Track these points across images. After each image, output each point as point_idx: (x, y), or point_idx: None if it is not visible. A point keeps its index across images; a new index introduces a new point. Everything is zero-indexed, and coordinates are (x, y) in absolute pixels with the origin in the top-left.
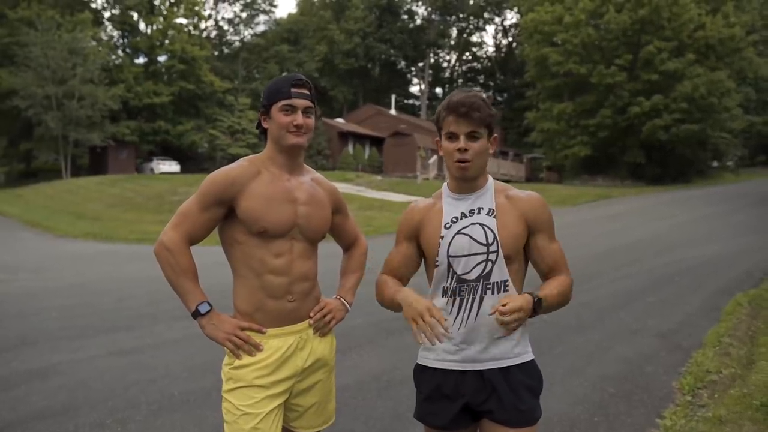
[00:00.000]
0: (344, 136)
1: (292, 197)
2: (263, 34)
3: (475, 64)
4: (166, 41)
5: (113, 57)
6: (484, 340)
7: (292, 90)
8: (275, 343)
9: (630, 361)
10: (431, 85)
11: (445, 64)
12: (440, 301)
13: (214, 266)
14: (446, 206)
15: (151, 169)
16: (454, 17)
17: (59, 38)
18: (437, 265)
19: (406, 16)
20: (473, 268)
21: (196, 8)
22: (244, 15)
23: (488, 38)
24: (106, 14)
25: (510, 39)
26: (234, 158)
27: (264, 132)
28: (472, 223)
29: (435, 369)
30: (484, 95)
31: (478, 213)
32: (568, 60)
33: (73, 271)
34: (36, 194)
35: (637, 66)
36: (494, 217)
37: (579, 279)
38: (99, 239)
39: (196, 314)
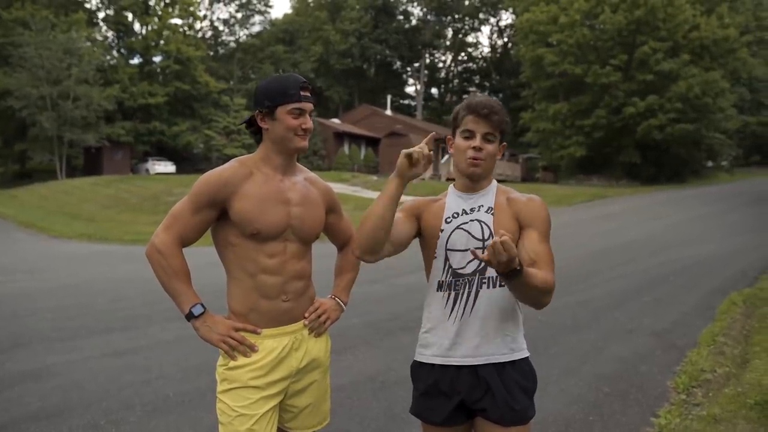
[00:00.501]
0: (340, 136)
1: (285, 198)
2: (258, 34)
3: (470, 64)
4: (161, 42)
5: (108, 57)
6: (479, 335)
7: (301, 93)
8: (270, 343)
9: (625, 360)
10: (427, 86)
11: (440, 65)
12: (436, 295)
13: (208, 267)
14: (449, 202)
15: (147, 170)
16: (449, 18)
17: (54, 38)
18: (435, 257)
19: (401, 17)
20: (469, 262)
21: (191, 8)
22: (239, 15)
23: (484, 39)
24: (101, 15)
25: (505, 39)
26: (229, 159)
27: (258, 131)
28: (471, 220)
29: (432, 365)
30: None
31: (478, 210)
32: (564, 60)
33: (68, 272)
34: (31, 195)
35: (632, 66)
36: (492, 214)
37: (574, 278)
38: (94, 240)
39: (190, 316)
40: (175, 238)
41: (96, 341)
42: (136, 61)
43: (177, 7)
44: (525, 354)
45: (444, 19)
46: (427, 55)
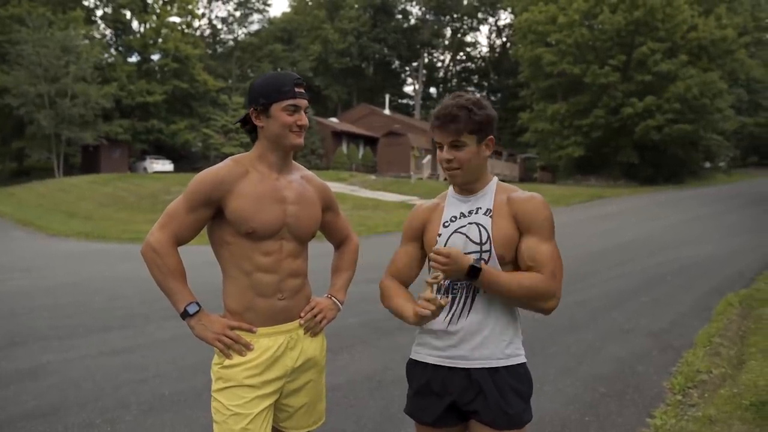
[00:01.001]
0: (338, 135)
1: (281, 196)
2: (257, 33)
3: (469, 64)
4: (160, 40)
5: (106, 55)
6: (474, 339)
7: (296, 89)
8: (265, 342)
9: (622, 360)
10: (425, 85)
11: (439, 64)
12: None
13: (204, 265)
14: (447, 206)
15: (144, 168)
16: (448, 17)
17: (51, 36)
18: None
19: (400, 16)
20: None
21: (190, 7)
22: (237, 14)
23: (482, 38)
24: (99, 12)
25: (504, 39)
26: (227, 157)
27: (253, 130)
28: (470, 223)
29: (426, 364)
30: (475, 97)
31: (476, 213)
32: (562, 60)
33: (65, 271)
34: (28, 193)
35: (630, 66)
36: (490, 216)
37: (572, 278)
38: (91, 238)
39: (185, 315)
40: (170, 237)
41: (93, 340)
42: (134, 59)
43: (175, 5)
44: (521, 360)
45: (443, 18)
46: (425, 55)
